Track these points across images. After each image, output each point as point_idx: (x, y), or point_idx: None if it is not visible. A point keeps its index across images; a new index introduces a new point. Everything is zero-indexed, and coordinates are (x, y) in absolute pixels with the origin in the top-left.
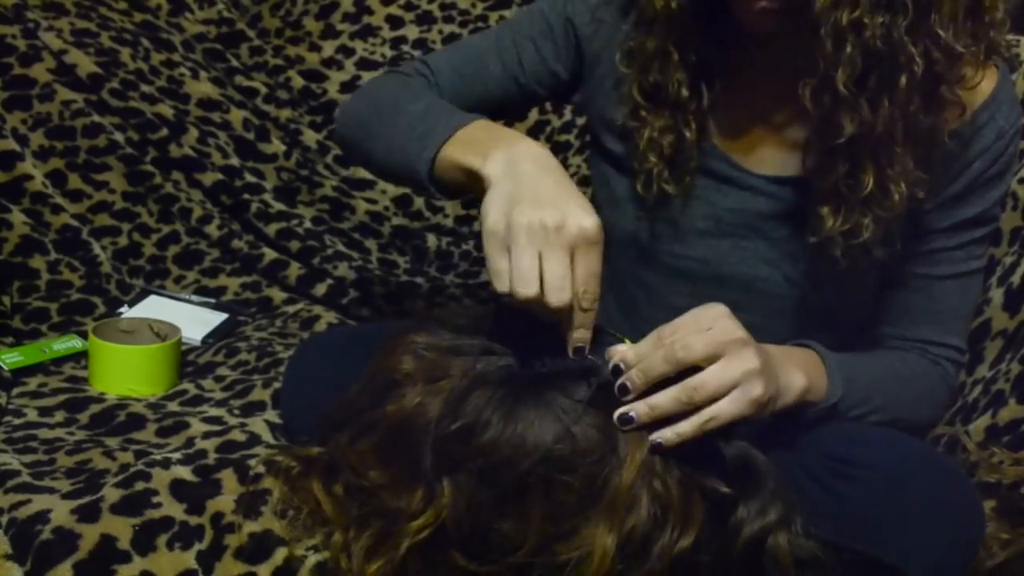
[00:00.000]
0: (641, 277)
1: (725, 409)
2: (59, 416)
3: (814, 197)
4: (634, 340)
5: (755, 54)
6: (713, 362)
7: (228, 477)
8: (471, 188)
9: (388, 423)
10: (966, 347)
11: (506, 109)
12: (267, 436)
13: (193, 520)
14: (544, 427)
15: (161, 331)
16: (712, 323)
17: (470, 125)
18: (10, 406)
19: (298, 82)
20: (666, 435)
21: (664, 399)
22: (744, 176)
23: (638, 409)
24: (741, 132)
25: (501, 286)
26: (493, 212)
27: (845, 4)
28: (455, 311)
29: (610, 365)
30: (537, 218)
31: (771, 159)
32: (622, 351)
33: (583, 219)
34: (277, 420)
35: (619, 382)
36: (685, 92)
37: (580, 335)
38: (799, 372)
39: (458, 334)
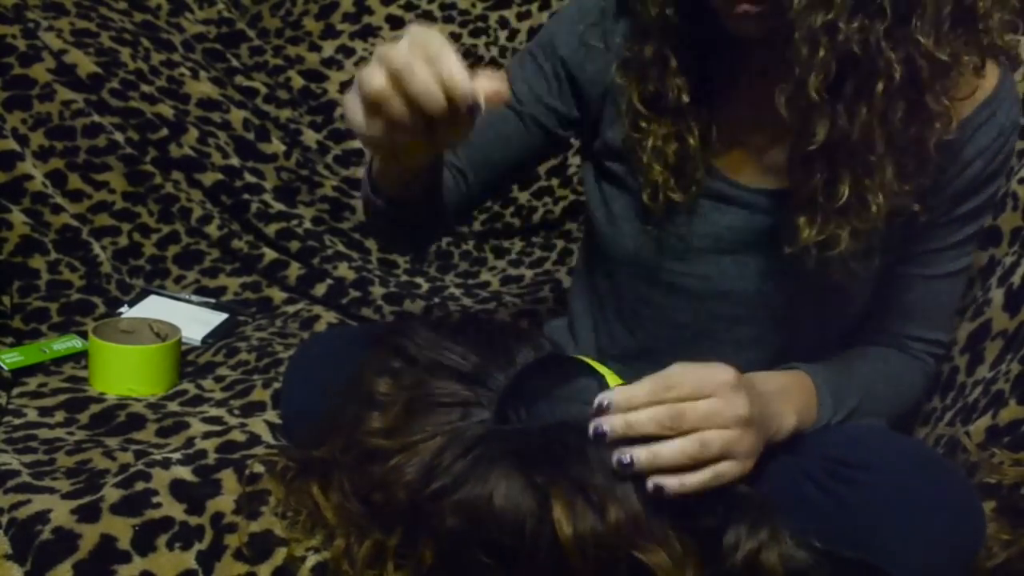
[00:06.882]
0: (643, 294)
1: (728, 472)
2: (59, 416)
3: (791, 207)
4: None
5: (749, 64)
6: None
7: (228, 477)
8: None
9: (367, 478)
10: (949, 339)
11: (538, 157)
12: (267, 436)
13: (193, 520)
14: (512, 492)
15: (161, 331)
16: (713, 391)
17: None
18: (10, 406)
19: (298, 82)
20: (670, 483)
21: (670, 452)
22: (742, 194)
23: (640, 456)
24: (738, 147)
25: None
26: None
27: (819, 7)
28: (446, 324)
29: (594, 404)
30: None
31: (769, 172)
32: (609, 393)
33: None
34: (277, 420)
35: (597, 423)
36: (685, 98)
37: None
38: (792, 413)
39: (439, 371)
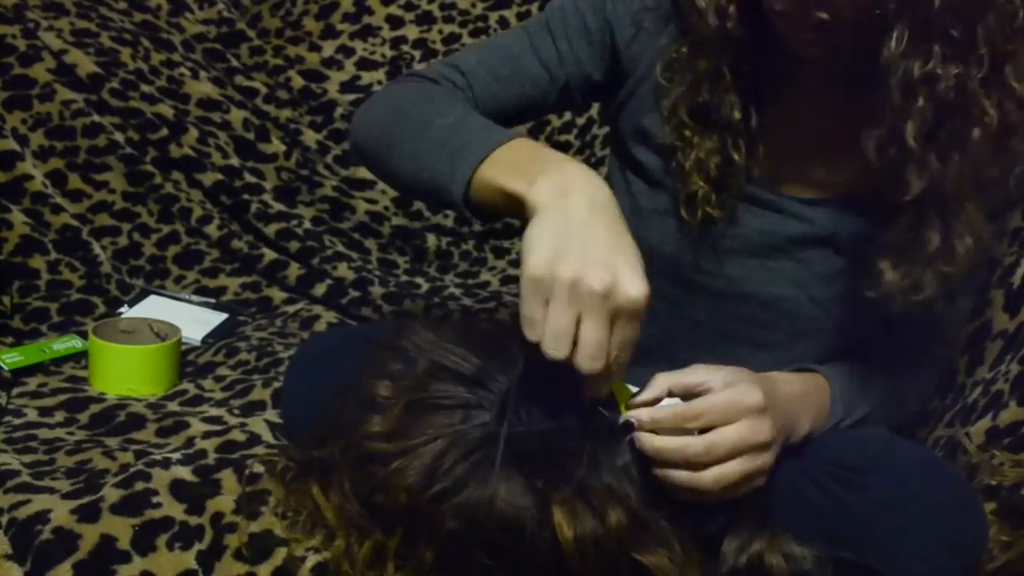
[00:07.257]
0: (662, 289)
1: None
2: (59, 416)
3: (872, 249)
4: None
5: (798, 77)
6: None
7: (228, 477)
8: (511, 212)
9: (368, 480)
10: (956, 356)
11: (542, 110)
12: (267, 436)
13: (193, 520)
14: (513, 495)
15: (161, 331)
16: (740, 416)
17: (511, 143)
18: (10, 406)
19: (298, 82)
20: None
21: (686, 481)
22: (778, 199)
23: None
24: (775, 154)
25: (532, 335)
26: (536, 254)
27: (918, 54)
28: (447, 325)
29: (621, 420)
30: (584, 277)
31: (805, 181)
32: (637, 412)
33: (633, 287)
34: (277, 420)
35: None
36: (737, 115)
37: (597, 392)
38: (808, 420)
39: (440, 373)
